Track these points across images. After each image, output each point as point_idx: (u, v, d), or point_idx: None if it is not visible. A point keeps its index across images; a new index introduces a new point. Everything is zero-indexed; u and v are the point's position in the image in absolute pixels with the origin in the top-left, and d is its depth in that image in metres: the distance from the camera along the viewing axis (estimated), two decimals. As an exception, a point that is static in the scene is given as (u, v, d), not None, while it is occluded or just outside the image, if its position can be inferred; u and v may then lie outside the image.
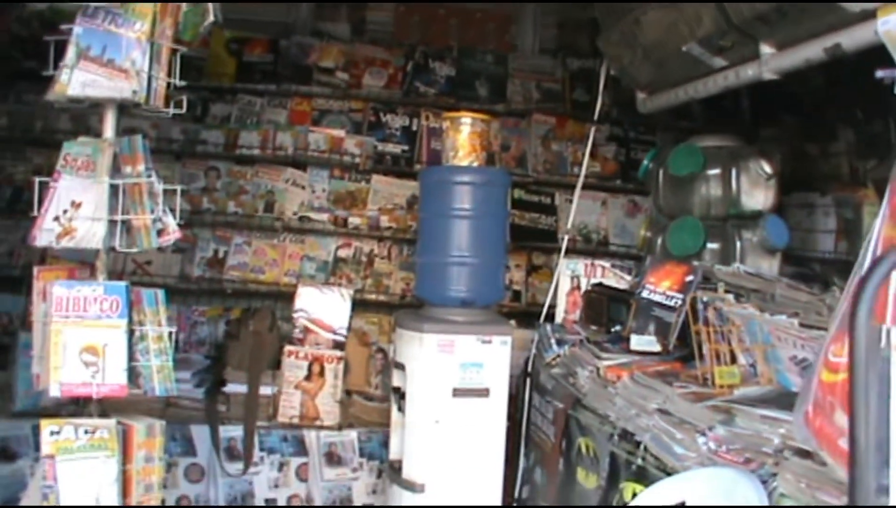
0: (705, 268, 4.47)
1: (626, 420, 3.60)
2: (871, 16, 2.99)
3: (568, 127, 6.68)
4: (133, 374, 3.29)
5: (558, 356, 4.62)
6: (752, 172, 4.85)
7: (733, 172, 4.84)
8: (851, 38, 3.13)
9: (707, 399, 3.32)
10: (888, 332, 1.57)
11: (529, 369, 4.85)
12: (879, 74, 2.97)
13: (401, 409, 4.70)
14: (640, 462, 3.37)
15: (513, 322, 5.03)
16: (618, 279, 5.14)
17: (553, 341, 4.72)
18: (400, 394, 4.70)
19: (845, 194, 5.59)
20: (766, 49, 3.66)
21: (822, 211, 5.78)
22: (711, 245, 4.86)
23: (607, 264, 5.25)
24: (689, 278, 4.29)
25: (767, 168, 4.84)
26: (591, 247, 6.58)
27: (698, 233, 4.79)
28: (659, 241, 5.12)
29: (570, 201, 6.43)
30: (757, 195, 4.88)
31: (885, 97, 5.30)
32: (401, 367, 4.68)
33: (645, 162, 5.33)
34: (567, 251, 6.00)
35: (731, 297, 3.96)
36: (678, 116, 6.03)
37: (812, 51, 3.37)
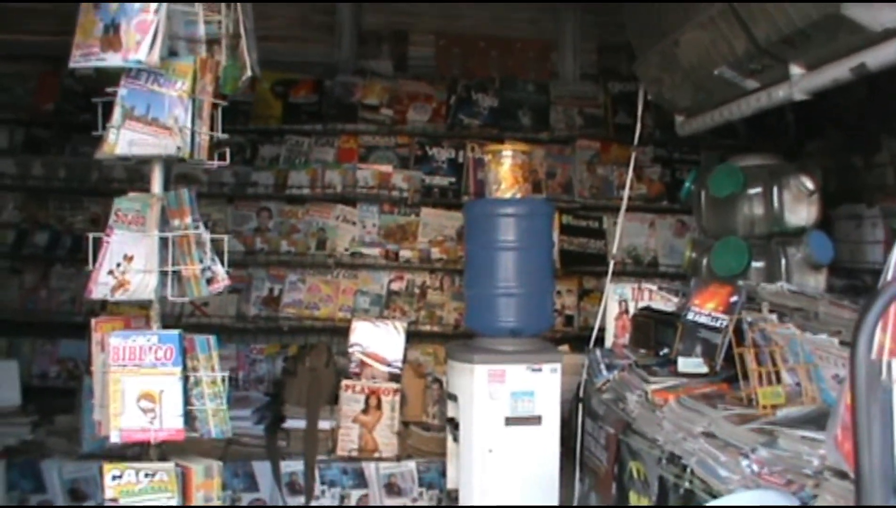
0: (749, 288, 4.48)
1: (673, 444, 3.63)
2: (893, 35, 3.04)
3: (612, 151, 6.72)
4: (189, 418, 3.41)
5: (608, 381, 4.65)
6: (794, 188, 4.84)
7: (775, 189, 4.85)
8: (875, 58, 3.17)
9: (751, 421, 3.36)
10: (888, 364, 1.62)
11: (581, 394, 4.89)
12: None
13: (455, 439, 4.78)
14: (687, 485, 3.40)
15: (565, 347, 5.11)
16: (665, 302, 5.15)
17: (603, 366, 4.75)
18: (454, 424, 4.79)
19: (891, 205, 5.57)
20: (795, 70, 3.70)
21: (870, 222, 5.76)
22: (756, 264, 4.85)
23: (654, 287, 5.26)
24: (734, 298, 4.31)
25: (809, 184, 4.83)
26: (640, 269, 6.60)
27: (742, 253, 4.80)
28: (704, 261, 5.13)
29: (617, 224, 6.49)
30: (800, 212, 4.87)
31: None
32: (454, 398, 4.77)
33: (686, 184, 5.35)
34: (617, 274, 6.01)
35: (773, 317, 3.97)
36: (722, 134, 6.04)
37: (839, 71, 3.41)
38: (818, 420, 3.18)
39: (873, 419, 1.54)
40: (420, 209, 6.58)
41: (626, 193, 5.45)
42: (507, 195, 4.85)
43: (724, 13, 3.80)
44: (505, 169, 4.84)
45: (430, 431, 5.62)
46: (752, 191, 4.90)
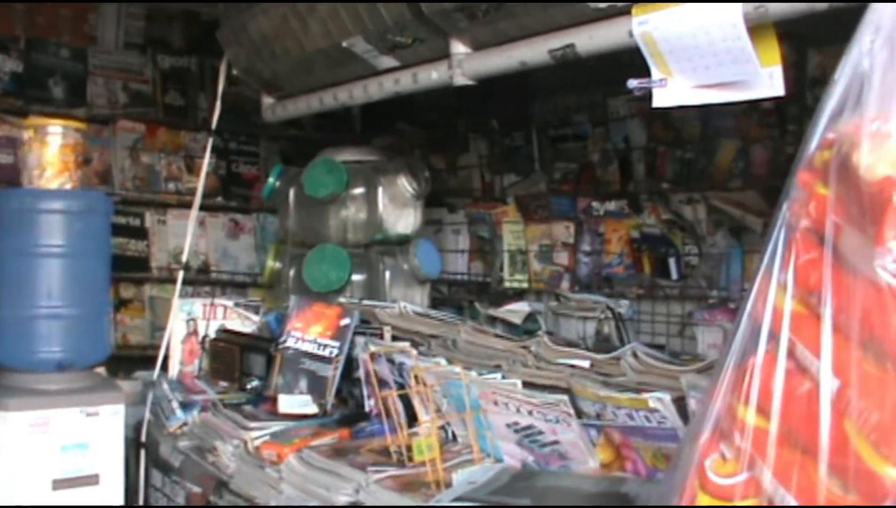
0: (363, 308, 3.80)
1: (303, 515, 2.85)
2: (614, 14, 2.43)
3: (160, 136, 5.65)
4: None
5: (185, 423, 3.74)
6: (400, 190, 4.28)
7: (380, 191, 4.23)
8: (590, 39, 2.54)
9: (415, 486, 2.67)
10: None
11: (143, 438, 3.91)
12: (632, 83, 2.42)
13: (-22, 511, 3.62)
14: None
15: (101, 370, 4.11)
16: (243, 320, 4.34)
17: (175, 404, 3.83)
18: (-24, 492, 3.61)
19: (480, 211, 5.17)
20: (458, 48, 3.01)
21: (452, 229, 5.36)
22: (356, 277, 4.23)
23: (230, 303, 4.42)
24: (344, 321, 3.64)
25: (415, 186, 4.29)
26: (189, 275, 5.64)
27: (342, 264, 4.14)
28: (292, 273, 4.39)
29: (164, 223, 5.57)
30: (404, 217, 4.35)
31: (523, 108, 4.94)
32: (-23, 456, 3.59)
33: (270, 180, 4.57)
34: (162, 281, 5.42)
35: (407, 345, 3.31)
36: (285, 123, 5.26)
37: (534, 52, 2.74)
38: (514, 488, 2.54)
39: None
40: None
41: (200, 184, 4.45)
42: (55, 185, 3.75)
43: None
44: (52, 151, 3.79)
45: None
46: (353, 191, 4.25)
